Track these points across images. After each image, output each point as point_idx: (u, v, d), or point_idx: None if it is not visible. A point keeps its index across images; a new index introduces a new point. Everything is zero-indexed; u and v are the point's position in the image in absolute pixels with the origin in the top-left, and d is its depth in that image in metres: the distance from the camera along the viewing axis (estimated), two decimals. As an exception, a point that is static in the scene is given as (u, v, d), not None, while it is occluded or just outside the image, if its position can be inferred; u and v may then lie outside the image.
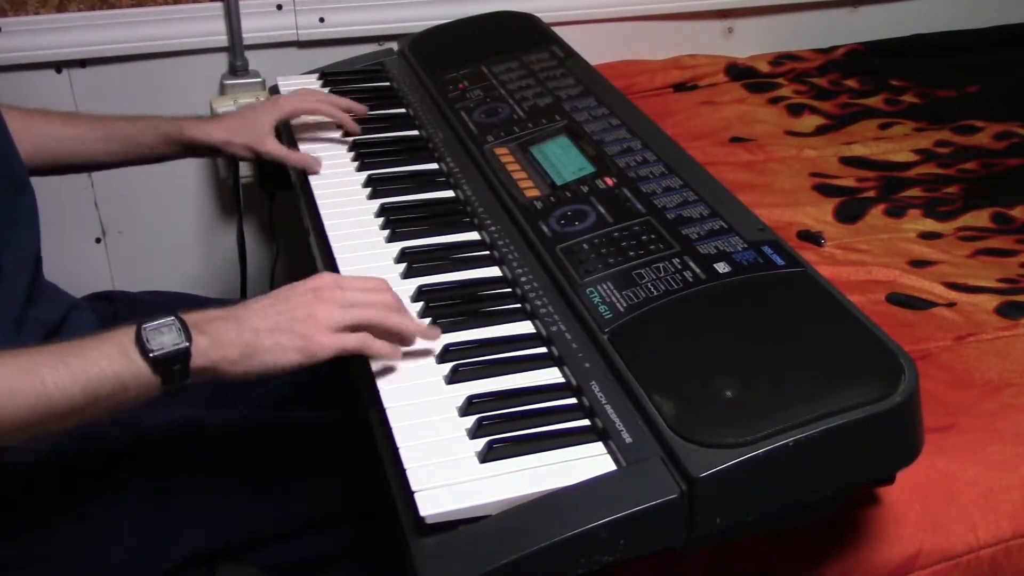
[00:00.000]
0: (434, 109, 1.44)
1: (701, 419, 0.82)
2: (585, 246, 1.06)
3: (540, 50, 1.53)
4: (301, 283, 0.93)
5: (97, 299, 1.28)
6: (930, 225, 1.55)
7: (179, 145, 1.28)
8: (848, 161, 1.73)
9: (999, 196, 1.62)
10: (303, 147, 1.36)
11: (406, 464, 0.84)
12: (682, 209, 1.09)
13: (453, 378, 0.93)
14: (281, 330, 0.88)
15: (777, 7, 2.07)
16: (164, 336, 0.85)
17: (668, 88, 1.95)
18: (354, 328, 0.91)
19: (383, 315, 0.93)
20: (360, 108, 1.40)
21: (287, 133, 1.40)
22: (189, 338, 0.85)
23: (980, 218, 1.57)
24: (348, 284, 0.94)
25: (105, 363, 0.83)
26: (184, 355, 0.85)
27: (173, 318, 0.86)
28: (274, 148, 1.29)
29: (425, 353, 0.96)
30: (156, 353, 0.84)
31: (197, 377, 0.87)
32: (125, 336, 0.85)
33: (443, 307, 1.03)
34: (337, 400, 1.16)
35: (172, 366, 0.85)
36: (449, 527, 0.79)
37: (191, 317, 0.87)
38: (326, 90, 1.48)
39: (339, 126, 1.38)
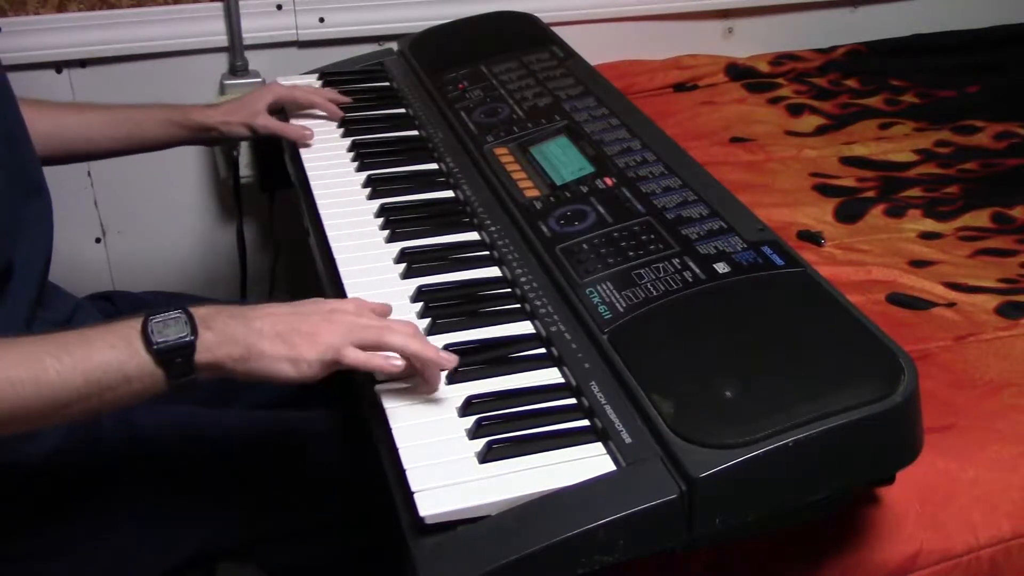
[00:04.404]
0: (434, 109, 1.44)
1: (700, 419, 0.82)
2: (585, 246, 1.06)
3: (540, 50, 1.53)
4: (325, 301, 0.92)
5: (98, 299, 1.28)
6: (930, 225, 1.55)
7: (182, 128, 1.33)
8: (848, 161, 1.73)
9: (999, 196, 1.62)
10: (303, 152, 1.36)
11: (405, 464, 0.84)
12: (682, 209, 1.09)
13: (452, 378, 0.93)
14: (282, 339, 0.87)
15: (777, 7, 2.07)
16: (170, 328, 0.84)
17: (668, 88, 1.95)
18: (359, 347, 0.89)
19: (385, 335, 0.89)
20: (343, 99, 1.45)
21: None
22: (195, 332, 0.84)
23: (980, 218, 1.57)
24: (367, 312, 0.92)
25: (109, 352, 0.82)
26: (188, 348, 0.84)
27: (181, 311, 0.85)
28: (268, 122, 1.36)
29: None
30: (160, 344, 0.83)
31: (203, 373, 0.86)
32: (131, 327, 0.84)
33: (443, 307, 1.03)
34: (337, 401, 1.16)
35: (175, 358, 0.84)
36: (449, 527, 0.79)
37: (200, 311, 0.86)
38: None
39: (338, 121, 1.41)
